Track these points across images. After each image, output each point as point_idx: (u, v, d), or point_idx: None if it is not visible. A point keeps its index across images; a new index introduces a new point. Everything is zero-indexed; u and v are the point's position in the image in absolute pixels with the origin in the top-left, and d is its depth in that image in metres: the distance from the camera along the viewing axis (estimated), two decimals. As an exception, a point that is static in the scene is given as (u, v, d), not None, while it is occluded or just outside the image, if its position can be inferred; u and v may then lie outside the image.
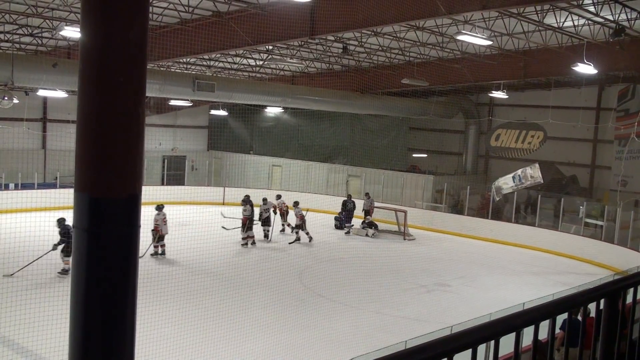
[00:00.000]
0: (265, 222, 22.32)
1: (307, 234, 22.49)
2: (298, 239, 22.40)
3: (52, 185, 27.70)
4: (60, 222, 16.42)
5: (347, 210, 25.73)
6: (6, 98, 20.35)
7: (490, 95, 28.36)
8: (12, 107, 22.24)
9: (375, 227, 25.14)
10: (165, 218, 19.21)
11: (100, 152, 3.30)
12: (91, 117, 3.35)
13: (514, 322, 2.57)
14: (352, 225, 25.50)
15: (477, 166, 33.35)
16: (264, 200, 22.57)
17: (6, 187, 26.78)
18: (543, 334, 2.90)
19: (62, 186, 26.72)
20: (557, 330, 3.61)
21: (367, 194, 26.44)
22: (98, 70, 3.27)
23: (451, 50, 23.02)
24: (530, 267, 21.05)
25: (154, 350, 10.25)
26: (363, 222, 25.41)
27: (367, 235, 24.82)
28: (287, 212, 24.01)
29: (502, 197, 26.98)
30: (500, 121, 31.55)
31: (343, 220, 25.70)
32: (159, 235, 18.96)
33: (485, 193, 28.45)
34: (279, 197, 24.30)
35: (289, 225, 23.67)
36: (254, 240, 21.51)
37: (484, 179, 31.77)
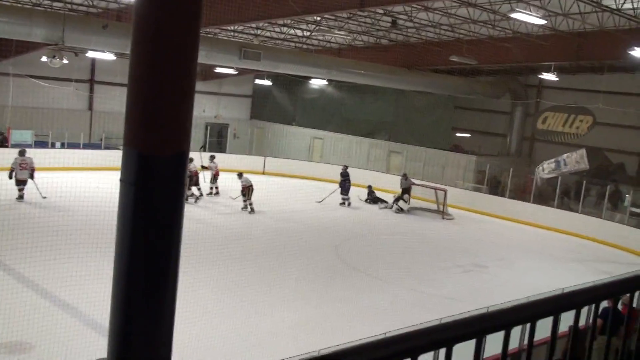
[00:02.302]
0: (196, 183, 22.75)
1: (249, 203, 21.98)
2: (245, 207, 21.95)
3: (97, 146, 28.16)
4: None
5: (344, 181, 25.18)
6: (56, 57, 20.66)
7: (540, 77, 27.65)
8: (61, 67, 22.61)
9: (403, 200, 24.96)
10: (22, 163, 19.64)
11: (151, 108, 3.29)
12: (143, 73, 3.33)
13: (555, 304, 2.45)
14: (349, 197, 25.12)
15: (521, 149, 32.77)
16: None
17: (53, 146, 27.33)
18: (581, 322, 2.78)
19: (107, 147, 27.17)
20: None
21: (404, 175, 26.10)
22: (152, 26, 3.24)
23: (502, 28, 22.50)
24: (571, 253, 20.69)
25: (189, 312, 10.39)
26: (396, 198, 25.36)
27: (390, 208, 24.90)
28: (218, 175, 24.12)
29: (546, 182, 26.49)
30: (548, 104, 30.85)
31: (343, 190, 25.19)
32: (16, 179, 19.47)
33: (529, 176, 27.96)
34: (212, 157, 24.58)
35: (216, 188, 24.07)
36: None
37: (528, 162, 31.19)
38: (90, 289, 9.98)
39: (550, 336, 2.37)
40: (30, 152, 23.08)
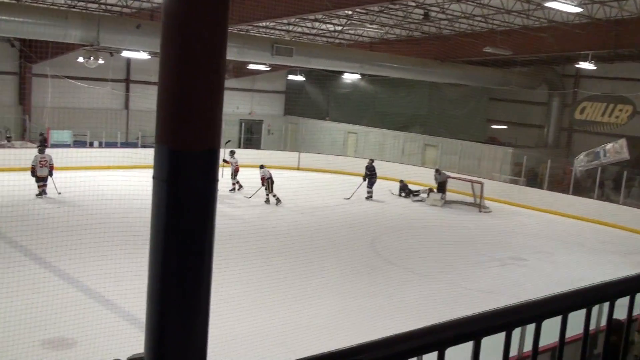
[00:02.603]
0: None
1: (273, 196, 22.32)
2: (268, 200, 22.28)
3: (134, 145, 28.57)
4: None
5: (371, 175, 25.04)
6: (92, 58, 21.00)
7: (577, 66, 27.10)
8: (97, 67, 22.97)
9: (434, 192, 24.95)
10: (42, 161, 20.24)
11: (181, 105, 3.31)
12: (172, 71, 3.35)
13: (587, 296, 2.37)
14: (372, 191, 24.94)
15: (559, 140, 32.24)
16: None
17: (91, 145, 27.81)
18: (622, 315, 2.69)
19: (144, 146, 27.53)
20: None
21: (437, 170, 25.88)
22: (180, 23, 3.26)
23: (537, 18, 22.13)
24: (611, 246, 20.28)
25: (223, 308, 10.47)
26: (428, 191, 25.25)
27: (423, 200, 24.93)
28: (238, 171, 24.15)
29: (585, 173, 26.02)
30: (586, 93, 30.28)
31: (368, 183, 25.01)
32: (36, 176, 20.12)
33: (567, 168, 27.49)
34: (233, 153, 24.61)
35: (238, 182, 24.11)
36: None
37: (566, 153, 30.69)
38: (130, 286, 10.12)
39: (584, 330, 2.31)
40: (70, 152, 23.55)
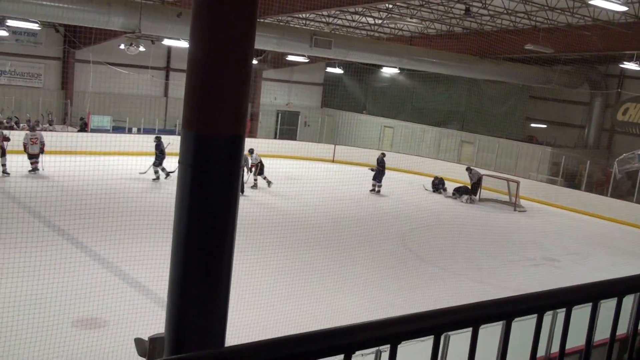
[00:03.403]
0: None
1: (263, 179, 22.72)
2: (255, 185, 22.59)
3: (172, 132, 28.89)
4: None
5: (380, 168, 24.76)
6: (134, 45, 21.30)
7: (621, 66, 26.52)
8: (138, 54, 23.26)
9: (467, 192, 24.77)
10: (33, 138, 20.84)
11: (208, 92, 3.36)
12: (201, 59, 3.40)
13: (592, 292, 2.36)
14: (381, 184, 24.63)
15: (599, 140, 31.61)
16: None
17: (129, 131, 28.23)
18: None
19: (181, 133, 27.86)
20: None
21: (468, 168, 25.58)
22: (210, 11, 3.30)
23: (582, 16, 21.70)
24: (648, 250, 19.89)
25: (250, 297, 10.57)
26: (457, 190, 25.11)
27: (462, 201, 24.62)
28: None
29: (625, 175, 25.51)
30: (630, 94, 29.61)
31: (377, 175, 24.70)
32: (28, 153, 20.73)
33: (607, 169, 26.98)
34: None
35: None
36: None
37: (607, 154, 30.09)
38: (160, 268, 10.28)
39: (589, 323, 2.30)
40: (108, 137, 23.94)
